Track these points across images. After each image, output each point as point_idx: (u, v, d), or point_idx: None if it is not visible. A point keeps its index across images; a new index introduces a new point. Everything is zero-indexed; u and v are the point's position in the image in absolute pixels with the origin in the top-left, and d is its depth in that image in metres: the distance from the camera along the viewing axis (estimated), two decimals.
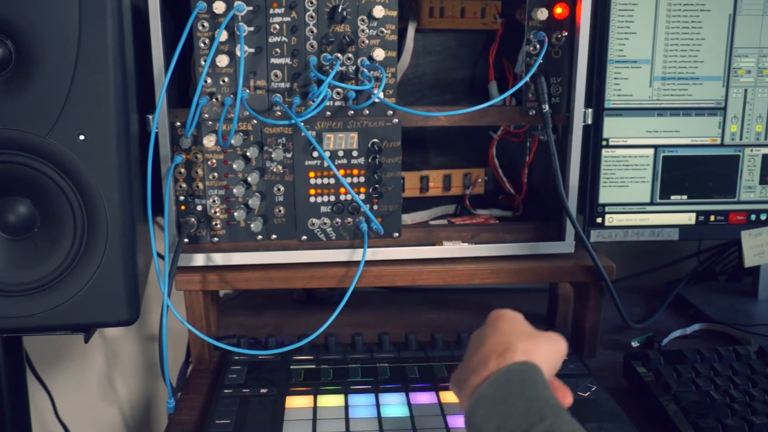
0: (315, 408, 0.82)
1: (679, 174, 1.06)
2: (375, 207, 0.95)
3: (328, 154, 0.93)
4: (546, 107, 0.94)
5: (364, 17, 0.90)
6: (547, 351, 0.68)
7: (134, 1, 0.86)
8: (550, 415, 0.59)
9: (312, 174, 0.94)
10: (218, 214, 0.94)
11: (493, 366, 0.64)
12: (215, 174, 0.93)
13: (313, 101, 0.88)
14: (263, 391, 0.86)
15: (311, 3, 0.89)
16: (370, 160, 0.94)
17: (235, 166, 0.92)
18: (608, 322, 1.07)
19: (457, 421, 0.80)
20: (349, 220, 0.96)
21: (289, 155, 0.93)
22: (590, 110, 0.97)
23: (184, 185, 0.93)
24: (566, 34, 0.94)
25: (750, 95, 1.06)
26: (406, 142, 0.95)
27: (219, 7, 0.86)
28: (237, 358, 0.94)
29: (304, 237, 0.96)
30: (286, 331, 1.07)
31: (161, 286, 0.88)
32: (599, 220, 1.07)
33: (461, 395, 0.67)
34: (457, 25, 1.03)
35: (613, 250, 1.12)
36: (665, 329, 1.07)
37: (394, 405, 0.83)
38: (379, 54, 0.90)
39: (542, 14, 0.93)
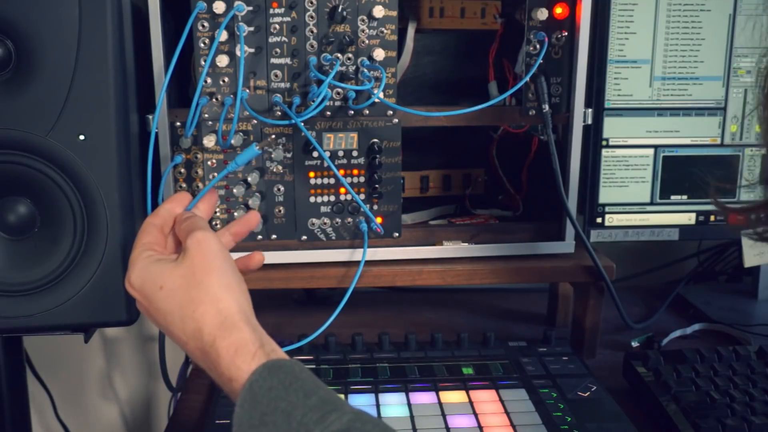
0: None
1: (679, 174, 1.06)
2: (375, 207, 0.95)
3: (328, 154, 0.93)
4: (546, 107, 0.94)
5: (364, 17, 0.90)
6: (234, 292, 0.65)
7: (134, 1, 0.86)
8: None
9: (312, 174, 0.94)
10: (218, 214, 0.94)
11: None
12: (215, 174, 0.93)
13: (313, 101, 0.88)
14: None
15: (311, 3, 0.89)
16: (370, 160, 0.94)
17: None
18: (608, 322, 1.07)
19: (457, 421, 0.80)
20: (349, 220, 0.96)
21: (289, 155, 0.93)
22: (590, 110, 0.97)
23: (184, 185, 0.93)
24: (566, 34, 0.94)
25: (750, 95, 1.06)
26: (406, 142, 0.95)
27: (219, 7, 0.86)
28: None
29: (304, 237, 0.96)
30: (286, 331, 1.07)
31: None
32: (599, 220, 1.07)
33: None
34: (457, 25, 1.03)
35: (613, 250, 1.12)
36: (665, 329, 1.07)
37: (394, 405, 0.83)
38: (379, 54, 0.90)
39: (542, 14, 0.93)
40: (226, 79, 0.90)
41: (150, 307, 0.66)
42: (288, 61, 0.90)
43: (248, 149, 0.79)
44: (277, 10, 0.89)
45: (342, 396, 0.84)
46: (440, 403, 0.83)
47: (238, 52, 0.88)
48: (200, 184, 0.93)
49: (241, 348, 0.61)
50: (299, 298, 1.23)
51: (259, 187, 0.93)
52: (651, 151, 1.06)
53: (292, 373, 0.59)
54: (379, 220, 0.95)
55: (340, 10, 0.88)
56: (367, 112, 0.93)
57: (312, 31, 0.90)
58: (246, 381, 0.59)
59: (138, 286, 0.66)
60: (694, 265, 1.28)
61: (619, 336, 1.07)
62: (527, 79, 0.94)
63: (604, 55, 1.02)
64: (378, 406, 0.83)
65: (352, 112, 0.92)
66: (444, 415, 0.81)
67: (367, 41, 0.90)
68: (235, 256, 0.94)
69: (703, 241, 1.27)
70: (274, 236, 0.95)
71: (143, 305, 0.67)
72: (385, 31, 0.90)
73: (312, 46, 0.90)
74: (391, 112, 0.93)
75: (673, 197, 1.07)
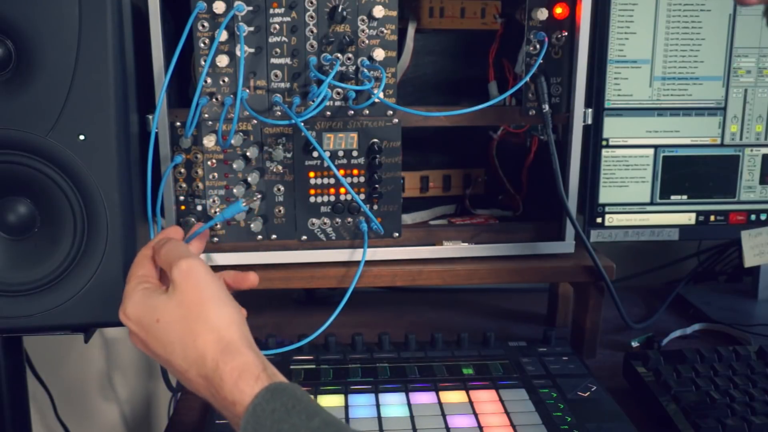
0: None
1: (679, 174, 1.07)
2: (375, 207, 0.95)
3: (328, 154, 0.93)
4: (546, 107, 0.94)
5: (364, 17, 0.90)
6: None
7: (134, 1, 0.86)
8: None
9: (312, 174, 0.94)
10: (218, 212, 0.94)
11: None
12: (215, 174, 0.93)
13: (313, 101, 0.88)
14: None
15: (311, 3, 0.89)
16: (370, 160, 0.94)
17: (235, 166, 0.92)
18: (608, 322, 1.07)
19: (457, 421, 0.80)
20: (349, 220, 0.96)
21: (289, 155, 0.93)
22: (590, 110, 0.97)
23: (184, 185, 0.93)
24: (566, 34, 0.94)
25: (750, 95, 1.06)
26: (406, 142, 0.95)
27: (219, 7, 0.86)
28: None
29: (304, 237, 0.96)
30: (286, 331, 1.07)
31: None
32: (599, 220, 1.07)
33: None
34: (457, 25, 1.03)
35: (613, 250, 1.12)
36: (665, 329, 1.07)
37: (394, 405, 0.83)
38: (379, 54, 0.90)
39: (542, 14, 0.93)
40: (226, 79, 0.90)
41: (148, 337, 0.66)
42: (288, 61, 0.90)
43: (234, 206, 0.78)
44: (277, 10, 0.89)
45: (342, 396, 0.84)
46: (440, 403, 0.83)
47: (238, 52, 0.88)
48: (200, 184, 0.93)
49: (245, 372, 0.61)
50: (299, 298, 1.23)
51: (259, 187, 0.93)
52: (651, 151, 1.06)
53: (294, 396, 0.60)
54: (379, 220, 0.95)
55: (340, 10, 0.88)
56: (367, 112, 0.93)
57: (312, 31, 0.90)
58: (249, 404, 0.59)
59: (135, 318, 0.67)
60: (694, 265, 1.28)
61: (619, 336, 1.07)
62: (527, 79, 0.94)
63: (604, 55, 1.02)
64: (378, 406, 0.83)
65: (352, 112, 0.92)
66: (444, 415, 0.81)
67: (367, 41, 0.90)
68: (245, 258, 0.94)
69: (703, 241, 1.27)
70: (274, 236, 0.95)
71: (139, 336, 0.67)
72: (385, 31, 0.90)
73: (312, 46, 0.90)
74: (391, 112, 0.93)
75: (673, 197, 1.07)
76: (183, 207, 0.93)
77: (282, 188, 0.94)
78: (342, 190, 0.94)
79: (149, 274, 0.70)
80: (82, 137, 0.80)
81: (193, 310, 0.64)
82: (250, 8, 0.88)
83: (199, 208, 0.94)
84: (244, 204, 0.79)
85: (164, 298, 0.66)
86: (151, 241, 0.73)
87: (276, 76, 0.91)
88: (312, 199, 0.95)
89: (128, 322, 0.67)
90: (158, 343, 0.65)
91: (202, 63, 0.88)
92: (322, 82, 0.88)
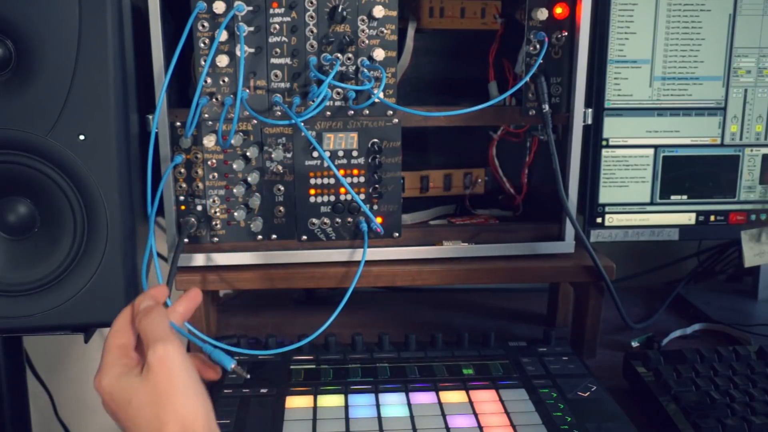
0: (315, 408, 0.82)
1: (679, 174, 1.07)
2: (375, 207, 0.95)
3: (328, 154, 0.93)
4: (546, 107, 0.94)
5: (364, 17, 0.90)
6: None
7: (134, 1, 0.86)
8: None
9: (312, 174, 0.94)
10: (218, 214, 0.94)
11: None
12: (215, 174, 0.93)
13: (313, 101, 0.88)
14: (263, 391, 0.86)
15: (311, 3, 0.89)
16: (370, 160, 0.94)
17: (235, 166, 0.92)
18: (608, 322, 1.07)
19: (457, 421, 0.80)
20: (349, 220, 0.96)
21: (289, 155, 0.93)
22: (590, 110, 0.97)
23: (184, 185, 0.93)
24: (566, 34, 0.94)
25: (750, 95, 1.06)
26: (406, 142, 0.95)
27: (219, 7, 0.86)
28: (237, 358, 0.94)
29: (304, 237, 0.96)
30: (286, 331, 1.07)
31: None
32: (599, 220, 1.07)
33: None
34: (457, 25, 1.03)
35: (613, 250, 1.12)
36: (665, 329, 1.07)
37: (394, 405, 0.83)
38: (379, 54, 0.90)
39: (542, 14, 0.93)
40: (226, 79, 0.90)
41: (118, 413, 0.68)
42: (288, 61, 0.90)
43: (225, 359, 0.76)
44: (277, 10, 0.89)
45: (342, 396, 0.84)
46: (440, 403, 0.83)
47: (238, 52, 0.88)
48: (200, 184, 0.93)
49: None
50: (299, 298, 1.23)
51: (259, 187, 0.93)
52: (651, 151, 1.06)
53: None
54: (379, 220, 0.95)
55: (340, 10, 0.89)
56: (367, 112, 0.93)
57: (312, 31, 0.90)
58: None
59: (109, 393, 0.69)
60: (694, 265, 1.28)
61: (619, 336, 1.07)
62: (527, 79, 0.94)
63: (604, 55, 1.02)
64: (378, 406, 0.83)
65: (352, 112, 0.92)
66: (444, 415, 0.81)
67: (367, 41, 0.90)
68: (244, 258, 0.94)
69: (703, 241, 1.27)
70: (274, 236, 0.95)
71: (111, 408, 0.69)
72: (385, 31, 0.91)
73: (312, 46, 0.90)
74: (391, 112, 0.93)
75: (673, 197, 1.07)
76: (183, 207, 0.94)
77: (282, 188, 0.94)
78: (342, 190, 0.94)
79: (128, 344, 0.72)
80: (82, 137, 0.80)
81: (162, 397, 0.66)
82: (250, 8, 0.88)
83: (199, 208, 0.94)
84: (232, 367, 0.76)
85: (138, 381, 0.67)
86: (134, 301, 0.73)
87: (276, 76, 0.91)
88: (312, 199, 0.95)
89: (103, 393, 0.69)
90: (128, 422, 0.67)
91: (202, 63, 0.88)
92: (322, 82, 0.88)
